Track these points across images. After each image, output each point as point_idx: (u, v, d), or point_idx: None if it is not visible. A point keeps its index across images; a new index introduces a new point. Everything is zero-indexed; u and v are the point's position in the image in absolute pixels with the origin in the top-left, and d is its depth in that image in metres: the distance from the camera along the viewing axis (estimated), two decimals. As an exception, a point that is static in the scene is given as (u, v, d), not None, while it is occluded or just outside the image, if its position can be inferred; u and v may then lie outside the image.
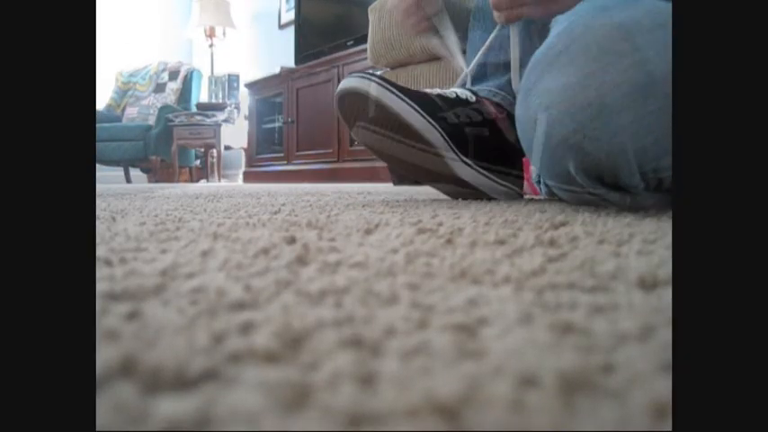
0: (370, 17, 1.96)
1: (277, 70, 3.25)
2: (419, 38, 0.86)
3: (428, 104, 0.72)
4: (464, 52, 0.85)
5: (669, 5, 0.50)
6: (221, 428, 0.10)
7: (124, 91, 4.08)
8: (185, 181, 3.88)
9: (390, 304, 0.19)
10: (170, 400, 0.11)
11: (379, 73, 0.82)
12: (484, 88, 0.81)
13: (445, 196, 0.83)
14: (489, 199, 0.76)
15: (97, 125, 3.54)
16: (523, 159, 0.79)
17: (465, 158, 0.74)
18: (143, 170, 3.93)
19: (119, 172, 3.92)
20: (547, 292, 0.21)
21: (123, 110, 4.01)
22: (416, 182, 0.79)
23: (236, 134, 3.96)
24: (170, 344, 0.15)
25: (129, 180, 3.86)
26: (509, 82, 0.79)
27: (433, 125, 0.71)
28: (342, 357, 0.14)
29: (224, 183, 3.61)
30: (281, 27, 3.94)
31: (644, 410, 0.11)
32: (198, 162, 4.03)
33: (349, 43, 2.85)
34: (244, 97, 3.73)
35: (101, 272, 0.24)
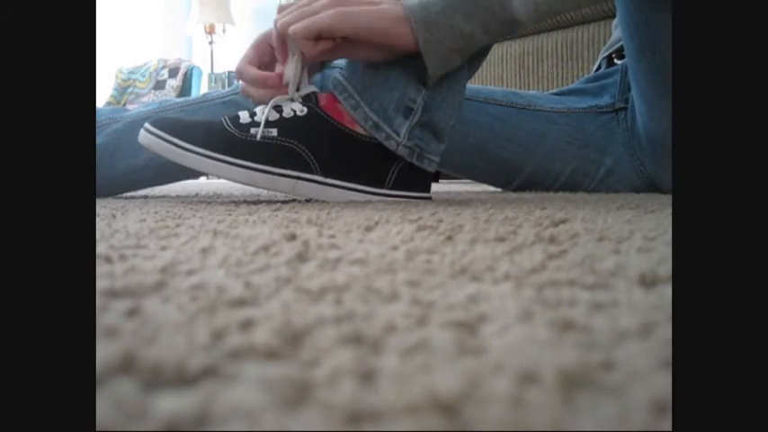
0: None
1: (277, 67, 3.24)
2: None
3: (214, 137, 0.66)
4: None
5: None
6: (221, 425, 0.10)
7: (124, 88, 4.08)
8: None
9: (390, 301, 0.19)
10: (170, 397, 0.11)
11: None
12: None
13: (444, 196, 0.82)
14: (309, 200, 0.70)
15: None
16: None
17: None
18: (143, 167, 3.93)
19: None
20: (547, 289, 0.21)
21: (123, 107, 4.01)
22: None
23: (236, 131, 3.95)
24: (170, 341, 0.15)
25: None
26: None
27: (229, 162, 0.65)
28: (342, 354, 0.14)
29: (224, 179, 3.60)
30: (281, 24, 3.93)
31: (644, 407, 0.11)
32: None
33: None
34: (244, 94, 3.72)
35: (101, 269, 0.24)
